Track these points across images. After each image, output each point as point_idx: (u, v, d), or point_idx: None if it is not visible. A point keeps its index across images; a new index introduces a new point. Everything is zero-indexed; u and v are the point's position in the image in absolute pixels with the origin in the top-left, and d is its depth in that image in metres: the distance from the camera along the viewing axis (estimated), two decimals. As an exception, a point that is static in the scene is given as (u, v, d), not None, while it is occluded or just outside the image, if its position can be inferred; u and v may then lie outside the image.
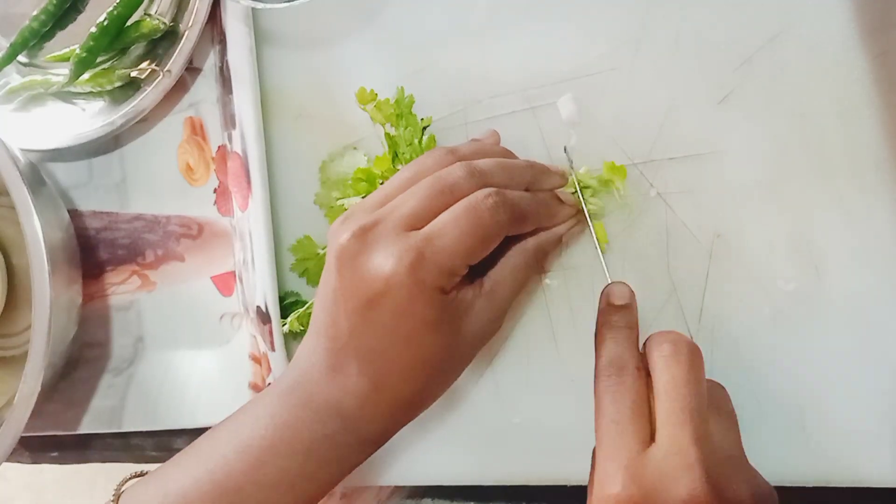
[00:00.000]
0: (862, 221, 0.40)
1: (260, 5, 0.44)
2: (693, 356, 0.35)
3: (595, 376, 0.36)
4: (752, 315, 0.41)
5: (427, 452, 0.44)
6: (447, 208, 0.37)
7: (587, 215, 0.42)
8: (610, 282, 0.39)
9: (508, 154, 0.43)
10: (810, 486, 0.40)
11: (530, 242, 0.40)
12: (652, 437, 0.34)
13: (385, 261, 0.35)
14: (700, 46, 0.42)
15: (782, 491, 0.40)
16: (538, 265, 0.42)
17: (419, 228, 0.36)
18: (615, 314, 0.38)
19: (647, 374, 0.35)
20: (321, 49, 0.47)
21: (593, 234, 0.42)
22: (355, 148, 0.46)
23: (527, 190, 0.40)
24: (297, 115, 0.47)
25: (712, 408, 0.36)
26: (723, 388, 0.37)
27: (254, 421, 0.37)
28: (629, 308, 0.38)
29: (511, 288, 0.39)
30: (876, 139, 0.40)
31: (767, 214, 0.41)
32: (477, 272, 0.39)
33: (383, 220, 0.36)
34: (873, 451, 0.39)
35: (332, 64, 0.47)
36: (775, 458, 0.40)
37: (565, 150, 0.43)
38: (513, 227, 0.38)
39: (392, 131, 0.45)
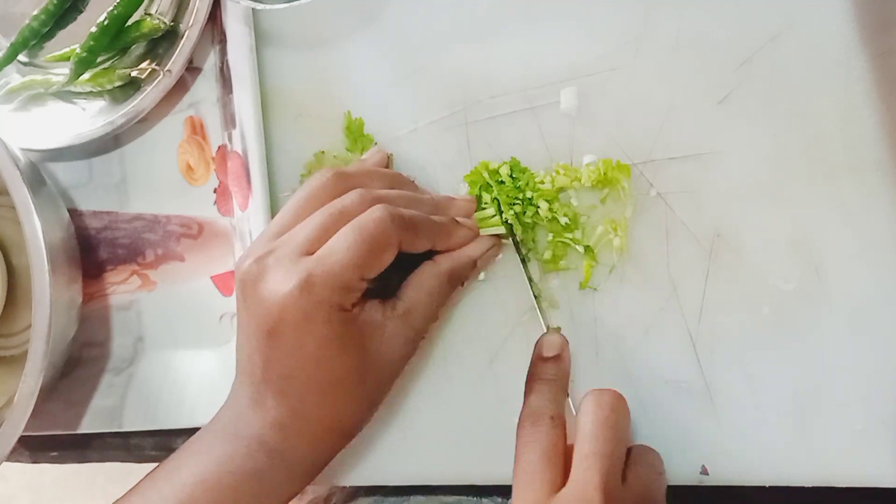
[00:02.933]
0: (862, 221, 0.40)
1: (260, 6, 0.44)
2: (616, 403, 0.38)
3: (518, 426, 0.38)
4: (752, 315, 0.41)
5: (427, 452, 0.44)
6: (337, 227, 0.37)
7: (523, 264, 0.42)
8: (545, 331, 0.41)
9: (401, 178, 0.43)
10: (810, 486, 0.40)
11: (444, 265, 0.40)
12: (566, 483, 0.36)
13: (279, 285, 0.36)
14: (700, 46, 0.42)
15: (782, 491, 0.40)
16: (452, 288, 0.41)
17: (314, 249, 0.37)
18: (544, 365, 0.40)
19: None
20: (321, 49, 0.47)
21: (525, 275, 0.42)
22: (335, 156, 0.46)
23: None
24: (297, 115, 0.47)
25: (634, 459, 0.37)
26: (655, 452, 0.39)
27: (189, 458, 0.38)
28: (559, 359, 0.40)
29: (425, 311, 0.40)
30: (876, 139, 0.40)
31: (767, 214, 0.41)
32: (390, 294, 0.39)
33: (278, 248, 0.37)
34: (873, 451, 0.39)
35: (332, 64, 0.47)
36: (775, 458, 0.40)
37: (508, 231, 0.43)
38: (405, 239, 0.38)
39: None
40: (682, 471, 0.41)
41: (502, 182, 0.42)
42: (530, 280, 0.43)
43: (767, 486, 0.40)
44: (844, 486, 0.40)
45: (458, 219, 0.42)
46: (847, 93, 0.41)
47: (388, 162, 0.44)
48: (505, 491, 0.45)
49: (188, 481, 0.37)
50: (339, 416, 0.38)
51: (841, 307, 0.40)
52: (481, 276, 0.44)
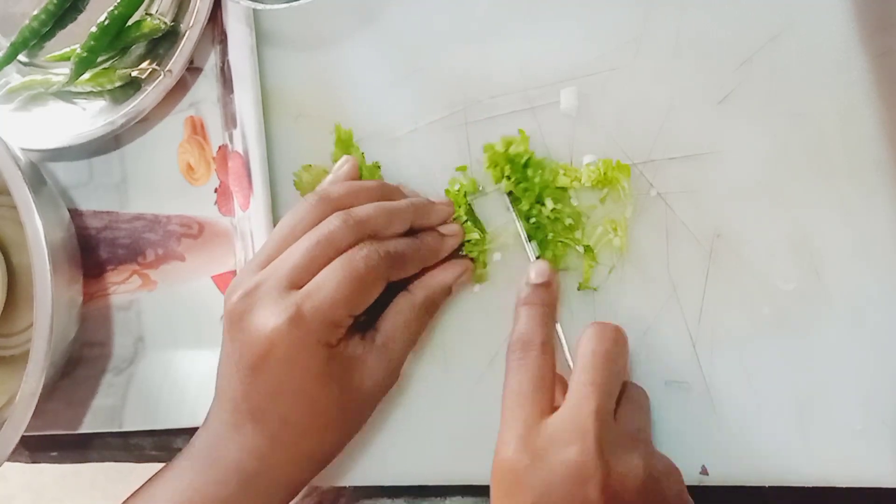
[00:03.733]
0: (862, 221, 0.40)
1: (260, 6, 0.44)
2: (616, 335, 0.38)
3: (507, 350, 0.38)
4: (752, 315, 0.41)
5: (427, 452, 0.44)
6: (327, 260, 0.37)
7: (521, 229, 0.43)
8: (534, 260, 0.41)
9: (385, 188, 0.43)
10: (810, 486, 0.40)
11: (418, 296, 0.41)
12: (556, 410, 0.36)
13: (267, 319, 0.36)
14: (700, 46, 0.42)
15: (782, 491, 0.40)
16: (429, 317, 0.42)
17: (301, 282, 0.37)
18: (534, 291, 0.40)
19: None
20: (321, 49, 0.47)
21: (526, 245, 0.42)
22: (326, 171, 0.46)
23: (411, 229, 0.41)
24: (298, 115, 0.47)
25: (626, 397, 0.38)
26: (645, 393, 0.39)
27: (164, 483, 0.39)
28: (547, 285, 0.40)
29: (403, 342, 0.40)
30: (876, 139, 0.40)
31: (767, 214, 0.41)
32: (367, 325, 0.39)
33: (266, 280, 0.37)
34: (873, 451, 0.39)
35: (332, 64, 0.47)
36: (775, 458, 0.40)
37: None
38: (393, 273, 0.39)
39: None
40: (682, 471, 0.41)
41: (525, 166, 0.42)
42: (521, 219, 0.43)
43: (767, 486, 0.40)
44: (844, 486, 0.40)
45: (442, 231, 0.42)
46: (847, 93, 0.41)
47: (357, 169, 0.44)
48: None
49: None
50: (316, 446, 0.39)
51: (841, 307, 0.40)
52: (476, 285, 0.44)
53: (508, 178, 0.43)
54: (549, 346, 0.38)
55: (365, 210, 0.39)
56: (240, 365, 0.37)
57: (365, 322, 0.40)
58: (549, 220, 0.42)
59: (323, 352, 0.37)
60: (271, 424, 0.37)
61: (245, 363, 0.37)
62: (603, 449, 0.34)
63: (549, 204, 0.42)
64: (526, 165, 0.42)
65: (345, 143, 0.45)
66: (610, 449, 0.34)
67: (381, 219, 0.39)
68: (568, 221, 0.42)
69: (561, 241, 0.42)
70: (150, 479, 0.39)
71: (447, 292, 0.42)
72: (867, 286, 0.40)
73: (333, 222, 0.38)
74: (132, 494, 0.39)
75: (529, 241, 0.42)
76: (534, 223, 0.42)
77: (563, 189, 0.43)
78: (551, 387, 0.37)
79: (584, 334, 0.38)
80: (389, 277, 0.39)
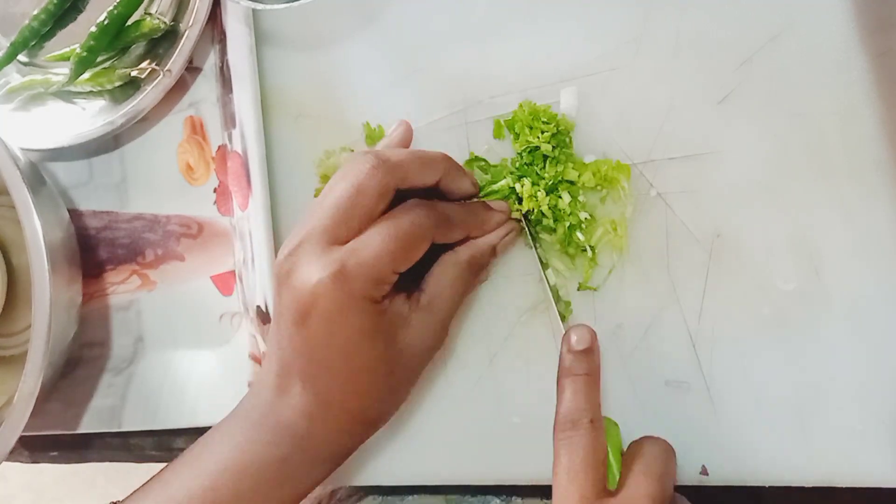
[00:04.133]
0: (862, 221, 0.40)
1: (260, 6, 0.44)
2: (668, 445, 0.38)
3: (554, 428, 0.37)
4: (752, 315, 0.41)
5: (427, 452, 0.44)
6: (362, 210, 0.37)
7: (540, 265, 0.42)
8: (567, 327, 0.40)
9: (438, 159, 0.41)
10: (810, 486, 0.40)
11: (463, 255, 0.40)
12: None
13: (310, 275, 0.36)
14: (700, 46, 0.42)
15: (782, 491, 0.40)
16: (474, 277, 0.41)
17: (343, 238, 0.36)
18: (575, 360, 0.38)
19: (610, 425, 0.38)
20: (321, 49, 0.47)
21: (548, 286, 0.42)
22: (352, 149, 0.46)
23: (438, 183, 0.40)
24: (297, 115, 0.47)
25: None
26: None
27: (212, 445, 0.38)
28: (590, 352, 0.38)
29: (448, 302, 0.40)
30: (876, 139, 0.40)
31: (767, 214, 0.41)
32: (412, 285, 0.39)
33: (307, 237, 0.37)
34: (873, 451, 0.39)
35: (332, 64, 0.47)
36: (775, 458, 0.40)
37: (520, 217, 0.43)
38: (438, 234, 0.38)
39: None
40: (682, 471, 0.41)
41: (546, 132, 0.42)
42: (542, 263, 0.42)
43: (767, 486, 0.40)
44: (844, 486, 0.40)
45: (491, 205, 0.42)
46: (847, 93, 0.41)
47: (411, 133, 0.43)
48: (506, 490, 0.45)
49: (211, 469, 0.37)
50: (365, 407, 0.38)
51: (841, 307, 0.40)
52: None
53: (539, 136, 0.42)
54: (598, 422, 0.37)
55: (395, 153, 0.38)
56: (287, 322, 0.37)
57: (410, 282, 0.39)
58: (565, 214, 0.42)
59: (368, 307, 0.36)
60: (319, 382, 0.37)
61: (290, 319, 0.36)
62: None
63: (567, 197, 0.42)
64: (557, 132, 0.42)
65: (376, 141, 0.45)
66: None
67: (413, 164, 0.38)
68: (584, 216, 0.42)
69: (571, 242, 0.42)
70: (195, 444, 0.39)
71: (492, 253, 0.42)
72: (867, 286, 0.40)
73: (362, 167, 0.37)
74: (178, 457, 0.39)
75: (545, 268, 0.42)
76: (545, 221, 0.42)
77: (573, 183, 0.42)
78: (604, 463, 0.37)
79: (637, 440, 0.38)
80: (435, 238, 0.38)
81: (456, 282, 0.40)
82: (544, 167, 0.42)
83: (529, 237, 0.43)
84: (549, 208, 0.41)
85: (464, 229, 0.40)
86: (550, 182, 0.41)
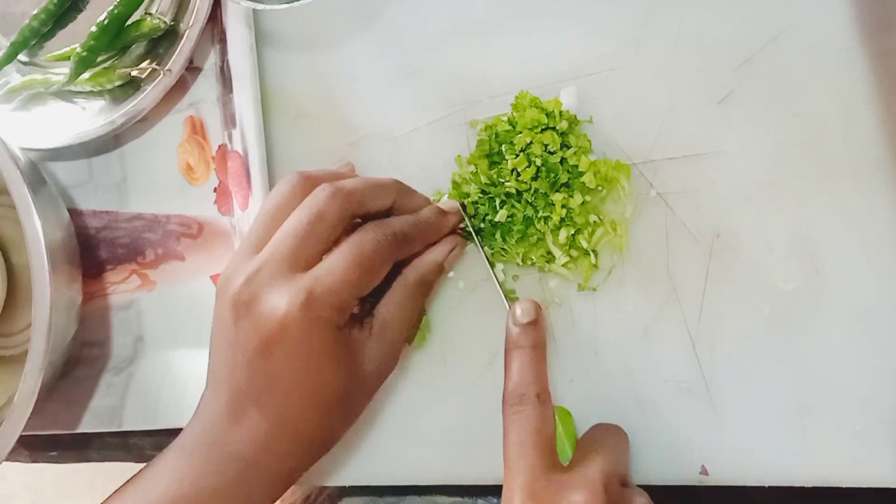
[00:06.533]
0: (862, 221, 0.40)
1: (260, 6, 0.44)
2: (619, 429, 0.39)
3: (502, 403, 0.38)
4: (752, 315, 0.41)
5: (426, 452, 0.44)
6: (322, 237, 0.37)
7: (486, 260, 0.43)
8: (511, 302, 0.40)
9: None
10: (810, 486, 0.40)
11: (411, 277, 0.41)
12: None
13: (278, 302, 0.36)
14: (700, 46, 0.42)
15: (782, 491, 0.40)
16: (423, 297, 0.42)
17: (302, 265, 0.37)
18: (521, 333, 0.39)
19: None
20: (321, 49, 0.47)
21: (495, 279, 0.42)
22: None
23: (392, 206, 0.41)
24: (297, 115, 0.47)
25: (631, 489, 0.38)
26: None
27: (159, 477, 0.38)
28: (535, 324, 0.39)
29: (399, 325, 0.40)
30: (876, 139, 0.40)
31: (767, 214, 0.41)
32: (364, 312, 0.40)
33: (266, 263, 0.37)
34: (873, 451, 0.39)
35: (332, 64, 0.47)
36: (775, 458, 0.40)
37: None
38: (399, 253, 0.39)
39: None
40: (682, 471, 0.41)
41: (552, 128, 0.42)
42: (483, 250, 0.43)
43: (767, 486, 0.40)
44: (844, 486, 0.40)
45: (442, 207, 0.42)
46: (847, 93, 0.41)
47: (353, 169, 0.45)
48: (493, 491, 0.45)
49: (154, 500, 0.37)
50: (320, 431, 0.38)
51: (841, 307, 0.40)
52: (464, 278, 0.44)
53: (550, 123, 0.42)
54: (545, 395, 0.38)
55: (349, 182, 0.39)
56: (247, 351, 0.36)
57: (361, 309, 0.40)
58: (575, 213, 0.41)
59: (332, 334, 0.36)
60: (276, 407, 0.37)
61: (254, 347, 0.36)
62: (610, 494, 0.34)
63: (579, 198, 0.41)
64: (566, 131, 0.42)
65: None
66: (617, 497, 0.35)
67: (367, 191, 0.39)
68: (593, 218, 0.42)
69: (574, 245, 0.42)
70: (139, 472, 0.39)
71: (439, 270, 0.42)
72: (867, 286, 0.40)
73: (321, 195, 0.38)
74: (121, 487, 0.39)
75: (493, 268, 0.43)
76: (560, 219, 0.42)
77: (579, 175, 0.42)
78: (553, 437, 0.37)
79: (591, 427, 0.39)
80: (396, 257, 0.39)
81: (405, 305, 0.40)
82: (546, 154, 0.42)
83: (475, 236, 0.43)
84: (562, 207, 0.41)
85: (422, 240, 0.41)
86: (554, 175, 0.41)
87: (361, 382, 0.39)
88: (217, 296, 0.38)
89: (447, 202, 0.43)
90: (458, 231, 0.43)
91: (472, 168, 0.44)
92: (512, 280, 0.43)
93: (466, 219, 0.43)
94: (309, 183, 0.39)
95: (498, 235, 0.42)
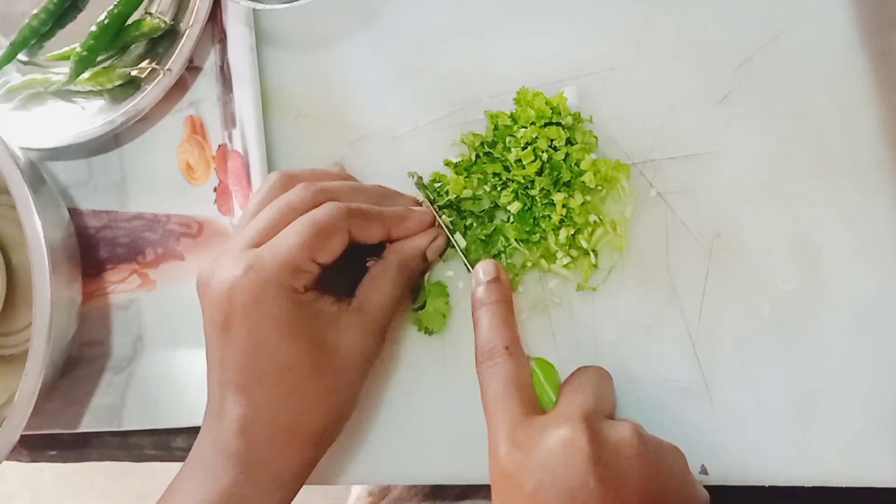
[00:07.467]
0: (862, 221, 0.40)
1: (260, 6, 0.44)
2: (602, 370, 0.39)
3: (475, 360, 0.38)
4: (752, 315, 0.41)
5: (426, 452, 0.44)
6: (288, 221, 0.37)
7: (447, 230, 0.43)
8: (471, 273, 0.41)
9: (341, 176, 0.43)
10: (810, 486, 0.40)
11: (391, 259, 0.41)
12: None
13: (227, 272, 0.36)
14: (700, 46, 0.42)
15: (782, 491, 0.40)
16: (405, 281, 0.41)
17: (263, 242, 0.37)
18: (486, 290, 0.39)
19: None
20: (321, 49, 0.47)
21: (458, 248, 0.43)
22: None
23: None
24: (297, 115, 0.47)
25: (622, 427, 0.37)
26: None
27: (170, 495, 0.38)
28: (497, 281, 0.39)
29: (380, 304, 0.40)
30: (876, 139, 0.40)
31: (767, 214, 0.41)
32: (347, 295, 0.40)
33: (230, 248, 0.37)
34: (873, 451, 0.39)
35: (332, 64, 0.47)
36: (775, 458, 0.40)
37: (415, 177, 0.44)
38: (355, 227, 0.38)
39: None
40: (681, 471, 0.41)
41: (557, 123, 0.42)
42: (450, 230, 0.43)
43: (767, 486, 0.40)
44: (844, 486, 0.40)
45: (412, 208, 0.42)
46: (847, 93, 0.41)
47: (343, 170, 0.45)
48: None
49: None
50: (300, 416, 0.37)
51: (841, 307, 0.40)
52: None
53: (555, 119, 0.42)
54: (515, 345, 0.38)
55: (327, 182, 0.40)
56: (213, 330, 0.37)
57: (344, 292, 0.40)
58: (575, 212, 0.41)
59: (287, 296, 0.36)
60: (248, 389, 0.36)
61: (216, 324, 0.36)
62: (592, 424, 0.34)
63: (579, 198, 0.41)
64: (571, 127, 0.42)
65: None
66: (600, 425, 0.34)
67: (344, 190, 0.40)
68: (592, 218, 0.42)
69: (574, 245, 0.42)
70: (166, 490, 0.39)
71: (422, 258, 0.42)
72: (867, 286, 0.40)
73: (296, 190, 0.39)
74: None
75: (467, 256, 0.43)
76: (559, 217, 0.42)
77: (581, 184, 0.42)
78: (528, 385, 0.37)
79: (573, 371, 0.39)
80: (352, 232, 0.38)
81: (385, 285, 0.40)
82: (551, 150, 0.42)
83: (433, 208, 0.43)
84: (562, 206, 0.41)
85: (381, 224, 0.40)
86: (558, 168, 0.41)
87: (338, 361, 0.38)
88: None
89: (420, 208, 0.43)
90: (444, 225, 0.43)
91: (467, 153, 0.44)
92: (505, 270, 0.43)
93: (422, 192, 0.43)
94: (289, 181, 0.40)
95: (500, 237, 0.42)
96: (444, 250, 0.43)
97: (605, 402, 0.37)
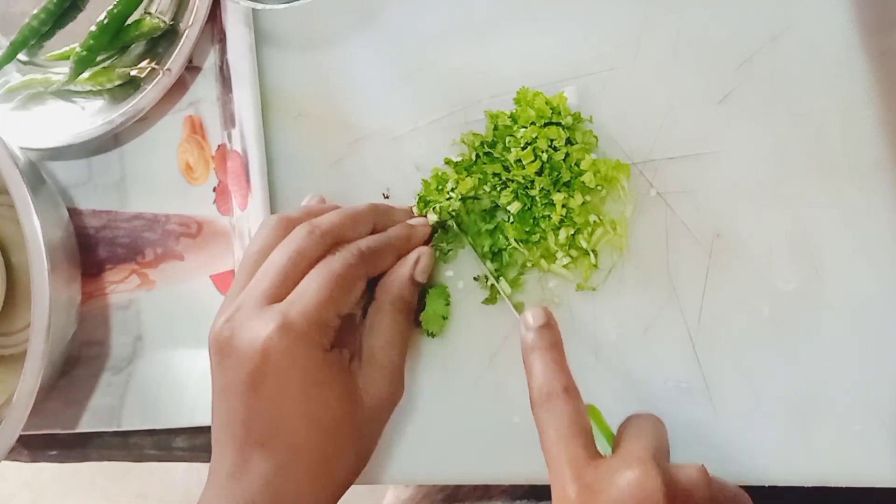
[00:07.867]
0: (862, 221, 0.40)
1: (260, 6, 0.44)
2: (658, 420, 0.38)
3: (531, 406, 0.37)
4: (752, 315, 0.41)
5: (426, 452, 0.44)
6: (301, 273, 0.37)
7: (492, 278, 0.43)
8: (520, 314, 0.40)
9: (333, 207, 0.43)
10: (810, 486, 0.40)
11: (383, 299, 0.41)
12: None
13: (257, 332, 0.36)
14: (700, 46, 0.42)
15: (782, 491, 0.40)
16: (405, 315, 0.41)
17: (280, 295, 0.37)
18: (537, 336, 0.38)
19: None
20: (321, 49, 0.47)
21: (503, 294, 0.43)
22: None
23: (372, 232, 0.41)
24: (297, 115, 0.47)
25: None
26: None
27: None
28: (549, 327, 0.39)
29: (387, 351, 0.40)
30: (876, 139, 0.40)
31: (767, 214, 0.41)
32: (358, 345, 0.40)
33: (245, 302, 0.37)
34: (873, 451, 0.39)
35: (332, 64, 0.47)
36: (775, 458, 0.40)
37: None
38: (371, 268, 0.39)
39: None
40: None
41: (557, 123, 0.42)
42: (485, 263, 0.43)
43: (767, 486, 0.40)
44: (844, 486, 0.40)
45: (409, 222, 0.43)
46: (847, 93, 0.41)
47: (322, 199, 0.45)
48: (508, 492, 0.45)
49: None
50: (328, 466, 0.37)
51: (841, 307, 0.40)
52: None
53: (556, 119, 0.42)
54: (572, 389, 0.37)
55: (327, 218, 0.40)
56: (237, 391, 0.36)
57: (353, 342, 0.40)
58: (575, 212, 0.41)
59: (317, 354, 0.36)
60: (278, 448, 0.36)
61: (242, 384, 0.36)
62: (663, 467, 0.34)
63: (579, 198, 0.41)
64: (571, 126, 0.42)
65: None
66: (669, 468, 0.34)
67: (345, 223, 0.40)
68: (592, 218, 0.42)
69: (574, 245, 0.42)
70: None
71: (412, 284, 0.41)
72: (867, 286, 0.40)
73: (300, 234, 0.38)
74: None
75: (498, 278, 0.43)
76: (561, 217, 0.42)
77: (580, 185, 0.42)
78: (588, 428, 0.36)
79: (626, 419, 0.39)
80: (369, 273, 0.39)
81: (386, 330, 0.40)
82: (553, 151, 0.42)
83: (492, 279, 0.43)
84: (562, 206, 0.41)
85: (391, 253, 0.41)
86: (558, 170, 0.41)
87: (362, 412, 0.38)
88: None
89: (415, 219, 0.43)
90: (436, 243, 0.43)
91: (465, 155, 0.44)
92: (511, 286, 0.43)
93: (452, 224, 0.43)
94: (288, 224, 0.40)
95: (500, 237, 0.42)
96: (446, 259, 0.44)
97: (663, 446, 0.37)
